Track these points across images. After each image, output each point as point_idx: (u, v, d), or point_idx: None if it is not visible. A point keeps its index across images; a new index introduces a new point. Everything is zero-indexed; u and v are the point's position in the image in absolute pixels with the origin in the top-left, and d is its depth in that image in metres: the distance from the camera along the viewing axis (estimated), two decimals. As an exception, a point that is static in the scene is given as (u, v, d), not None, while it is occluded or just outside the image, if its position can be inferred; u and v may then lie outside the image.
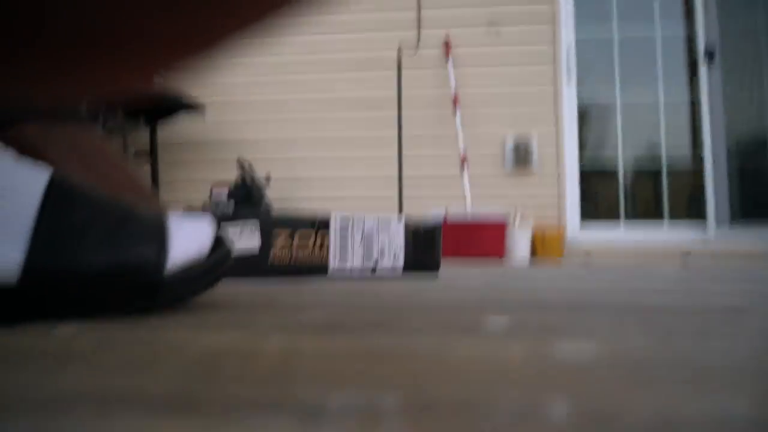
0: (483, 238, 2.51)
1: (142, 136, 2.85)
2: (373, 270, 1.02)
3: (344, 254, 0.99)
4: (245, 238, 0.89)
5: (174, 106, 2.53)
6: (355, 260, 0.99)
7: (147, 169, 2.74)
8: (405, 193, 2.86)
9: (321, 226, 0.97)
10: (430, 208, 2.86)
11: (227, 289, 0.78)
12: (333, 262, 0.97)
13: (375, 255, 1.02)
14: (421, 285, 0.84)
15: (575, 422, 0.19)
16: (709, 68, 2.87)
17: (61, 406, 0.21)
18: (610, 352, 0.31)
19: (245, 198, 2.70)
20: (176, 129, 2.99)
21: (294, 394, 0.23)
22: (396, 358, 0.30)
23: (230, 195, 2.71)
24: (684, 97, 3.04)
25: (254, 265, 0.90)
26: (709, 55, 2.84)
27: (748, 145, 2.98)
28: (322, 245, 0.97)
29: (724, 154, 2.84)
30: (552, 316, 0.47)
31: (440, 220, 1.17)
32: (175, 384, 0.25)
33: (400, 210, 2.68)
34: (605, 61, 3.04)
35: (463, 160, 2.74)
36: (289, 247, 0.93)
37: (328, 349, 0.32)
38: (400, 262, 1.05)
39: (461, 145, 2.76)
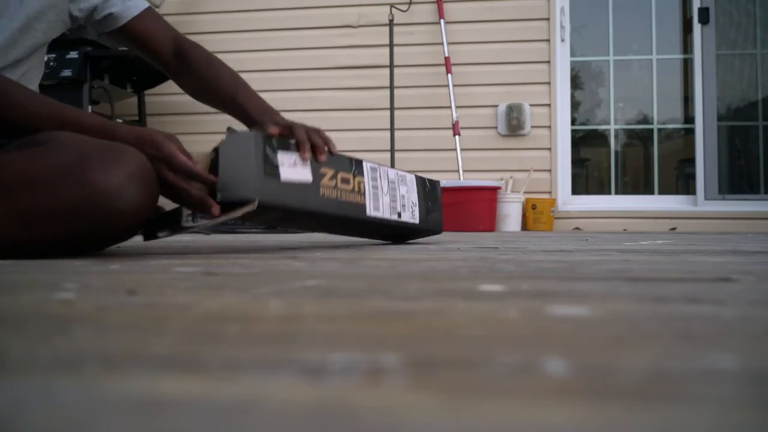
0: (474, 209, 2.51)
1: (129, 103, 2.81)
2: (399, 220, 1.02)
3: (376, 201, 0.98)
4: (298, 169, 0.85)
5: (161, 73, 2.49)
6: (384, 209, 0.99)
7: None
8: (397, 156, 2.83)
9: (357, 170, 0.96)
10: (421, 175, 2.84)
11: (225, 256, 0.78)
12: (369, 208, 0.96)
13: (398, 206, 1.03)
14: (414, 255, 0.85)
15: (571, 376, 0.20)
16: (703, 28, 2.84)
17: (66, 365, 0.22)
18: (603, 314, 0.32)
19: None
20: (165, 99, 2.95)
21: (295, 354, 0.23)
22: (395, 320, 0.30)
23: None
24: (677, 57, 3.02)
25: (307, 196, 0.86)
26: (704, 13, 2.81)
27: (738, 110, 2.98)
28: (359, 189, 0.95)
29: (715, 119, 2.83)
30: (545, 283, 0.48)
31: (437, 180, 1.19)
32: (178, 345, 0.25)
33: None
34: (599, 18, 3.00)
35: (456, 126, 2.71)
36: (335, 186, 0.91)
37: (328, 313, 0.33)
38: (417, 216, 1.06)
39: (454, 110, 2.72)
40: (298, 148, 0.86)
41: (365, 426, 0.15)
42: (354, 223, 0.95)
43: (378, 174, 1.00)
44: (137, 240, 1.27)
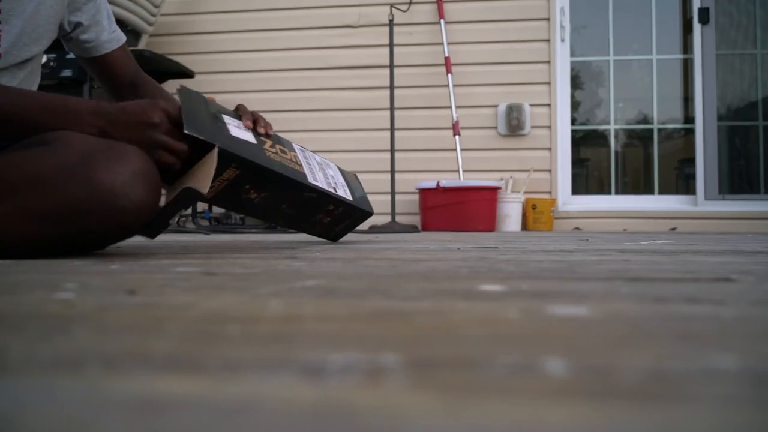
0: (474, 209, 2.51)
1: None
2: (337, 194, 1.07)
3: (313, 174, 1.04)
4: (242, 132, 0.92)
5: (163, 73, 2.49)
6: (321, 182, 1.05)
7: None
8: (397, 156, 2.82)
9: (289, 147, 1.03)
10: (421, 175, 2.84)
11: (225, 256, 0.78)
12: (309, 176, 1.01)
13: (332, 183, 1.09)
14: (414, 255, 0.85)
15: (571, 376, 0.20)
16: (703, 28, 2.84)
17: (67, 365, 0.22)
18: (603, 314, 0.32)
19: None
20: (166, 99, 2.93)
21: (295, 354, 0.23)
22: (395, 320, 0.30)
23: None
24: (677, 57, 3.02)
25: (257, 152, 0.91)
26: (704, 13, 2.81)
27: (738, 110, 2.97)
28: (296, 161, 1.01)
29: (715, 119, 2.83)
30: (545, 283, 0.48)
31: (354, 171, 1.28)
32: (178, 345, 0.25)
33: (392, 175, 2.65)
34: (599, 18, 3.00)
35: (456, 126, 2.71)
36: (276, 153, 0.97)
37: (328, 313, 0.33)
38: (349, 195, 1.13)
39: (454, 110, 2.71)
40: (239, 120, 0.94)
41: (365, 426, 0.15)
42: (301, 192, 0.99)
43: (306, 155, 1.07)
44: (137, 240, 1.27)
